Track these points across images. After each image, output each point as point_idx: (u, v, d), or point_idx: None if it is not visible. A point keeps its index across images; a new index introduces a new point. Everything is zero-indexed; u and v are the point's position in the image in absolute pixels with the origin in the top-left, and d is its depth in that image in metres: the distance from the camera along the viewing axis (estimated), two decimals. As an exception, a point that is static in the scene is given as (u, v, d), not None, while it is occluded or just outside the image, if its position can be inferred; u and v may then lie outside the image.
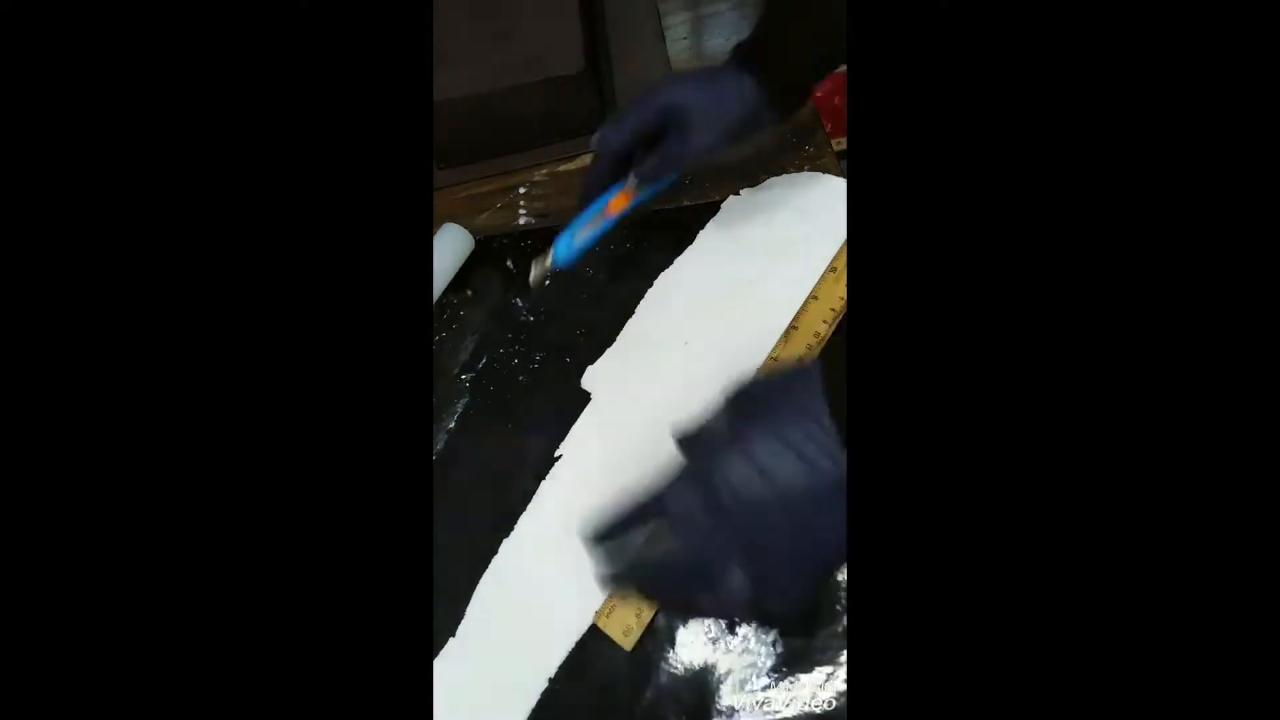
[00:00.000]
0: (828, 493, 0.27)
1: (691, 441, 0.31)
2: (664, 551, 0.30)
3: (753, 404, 0.30)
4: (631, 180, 0.44)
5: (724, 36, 0.62)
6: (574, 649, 0.37)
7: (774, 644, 0.35)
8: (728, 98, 0.43)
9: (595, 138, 0.44)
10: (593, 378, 0.46)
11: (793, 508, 0.27)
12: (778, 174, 0.51)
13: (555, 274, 0.44)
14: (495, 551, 0.40)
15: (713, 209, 0.51)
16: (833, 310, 0.44)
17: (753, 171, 0.52)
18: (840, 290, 0.45)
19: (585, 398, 0.45)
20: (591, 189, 0.45)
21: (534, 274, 0.44)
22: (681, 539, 0.29)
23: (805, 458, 0.27)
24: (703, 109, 0.43)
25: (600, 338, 0.47)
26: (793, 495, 0.27)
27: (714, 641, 0.36)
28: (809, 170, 0.51)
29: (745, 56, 0.43)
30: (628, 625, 0.38)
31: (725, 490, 0.28)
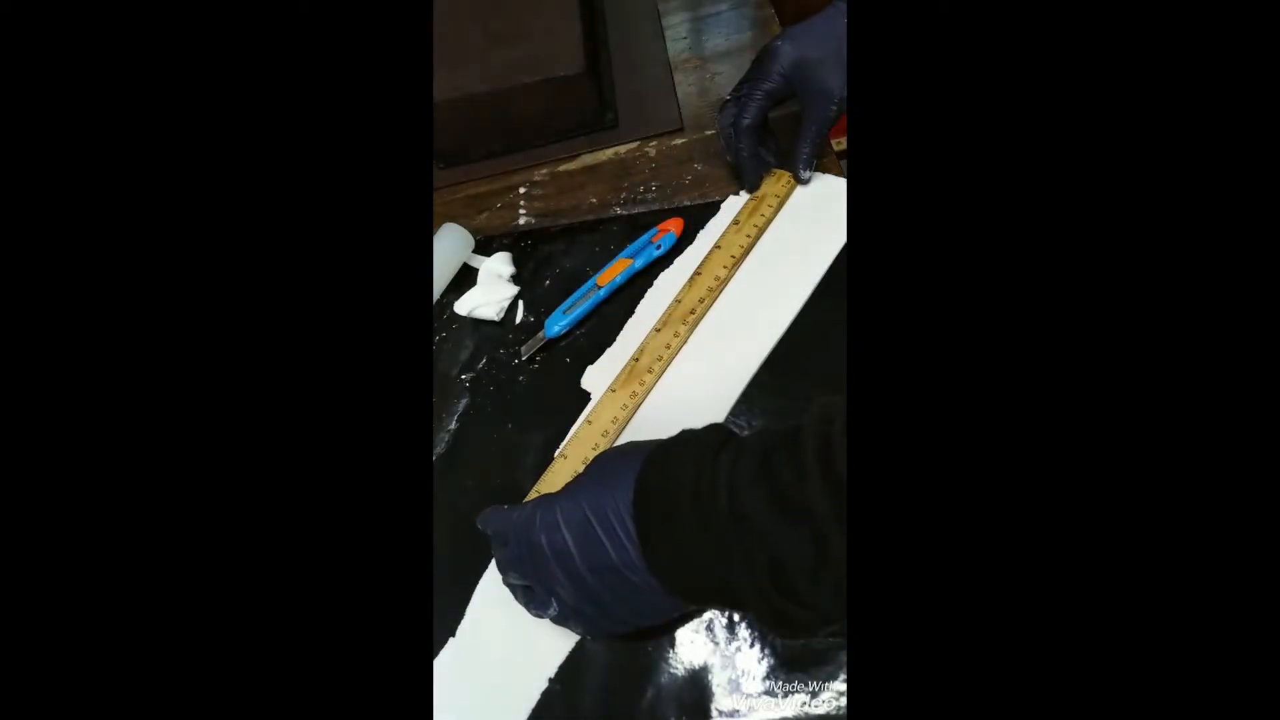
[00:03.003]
0: (614, 566, 0.29)
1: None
2: (504, 563, 0.33)
3: (590, 467, 0.33)
4: (802, 173, 0.47)
5: (724, 36, 0.62)
6: (574, 649, 0.37)
7: (774, 644, 0.35)
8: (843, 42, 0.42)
9: (720, 117, 0.46)
10: (593, 378, 0.46)
11: (585, 570, 0.30)
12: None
13: (547, 342, 0.48)
14: (495, 551, 0.40)
15: (713, 209, 0.51)
16: (732, 257, 0.48)
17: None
18: (741, 240, 0.48)
19: (585, 398, 0.45)
20: (742, 168, 0.48)
21: (526, 347, 0.47)
22: (514, 560, 0.32)
23: (598, 528, 0.29)
24: (824, 60, 0.43)
25: (600, 338, 0.47)
26: (585, 560, 0.30)
27: (714, 642, 0.36)
28: (809, 170, 0.51)
29: None
30: None
31: (538, 536, 0.31)
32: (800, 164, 0.47)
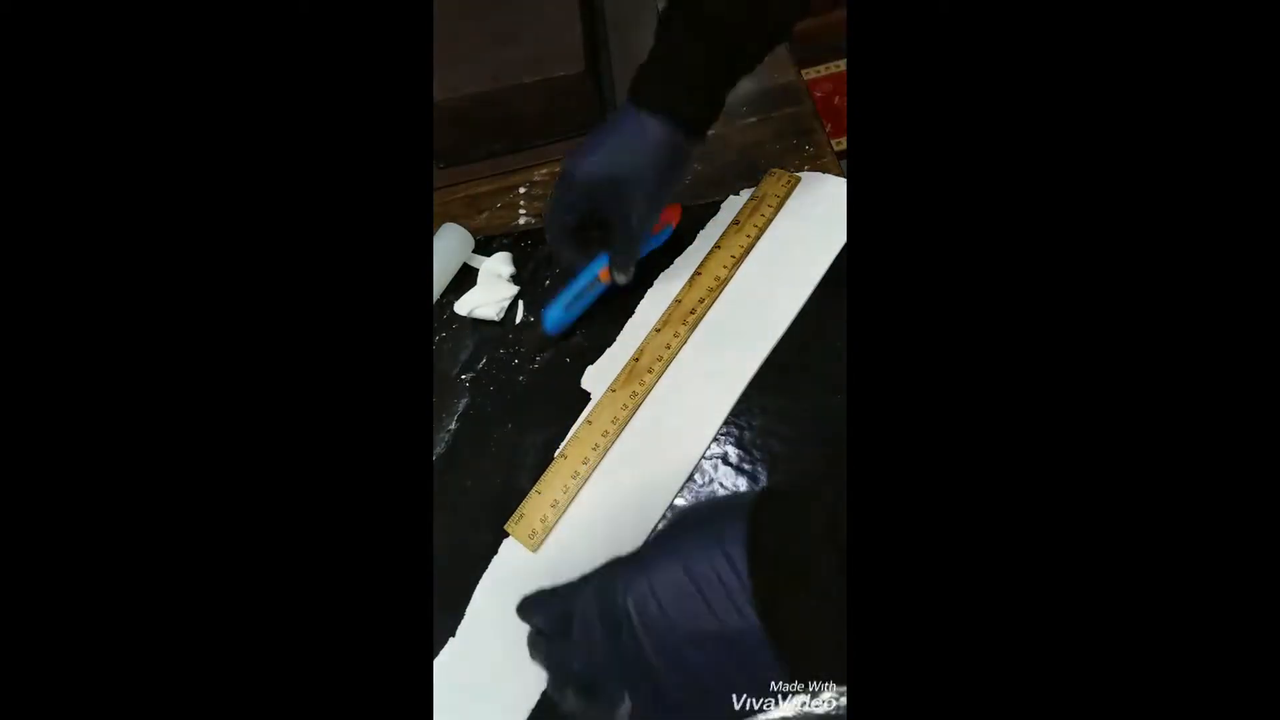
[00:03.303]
0: (724, 637, 0.24)
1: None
2: (561, 659, 0.28)
3: (678, 524, 0.28)
4: (618, 278, 0.47)
5: (724, 36, 0.62)
6: (574, 649, 0.37)
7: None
8: (645, 150, 0.41)
9: (545, 223, 0.46)
10: (592, 378, 0.46)
11: (685, 643, 0.24)
12: (778, 174, 0.51)
13: (545, 338, 0.47)
14: (495, 551, 0.40)
15: (712, 209, 0.51)
16: (732, 257, 0.48)
17: (752, 171, 0.52)
18: (741, 240, 0.49)
19: (585, 398, 0.45)
20: (566, 268, 0.48)
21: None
22: (579, 649, 0.27)
23: (703, 593, 0.24)
24: (627, 175, 0.41)
25: (600, 338, 0.47)
26: (687, 631, 0.24)
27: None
28: (809, 170, 0.51)
29: (641, 95, 0.41)
30: (533, 529, 0.41)
31: (622, 607, 0.25)
32: (614, 273, 0.47)
